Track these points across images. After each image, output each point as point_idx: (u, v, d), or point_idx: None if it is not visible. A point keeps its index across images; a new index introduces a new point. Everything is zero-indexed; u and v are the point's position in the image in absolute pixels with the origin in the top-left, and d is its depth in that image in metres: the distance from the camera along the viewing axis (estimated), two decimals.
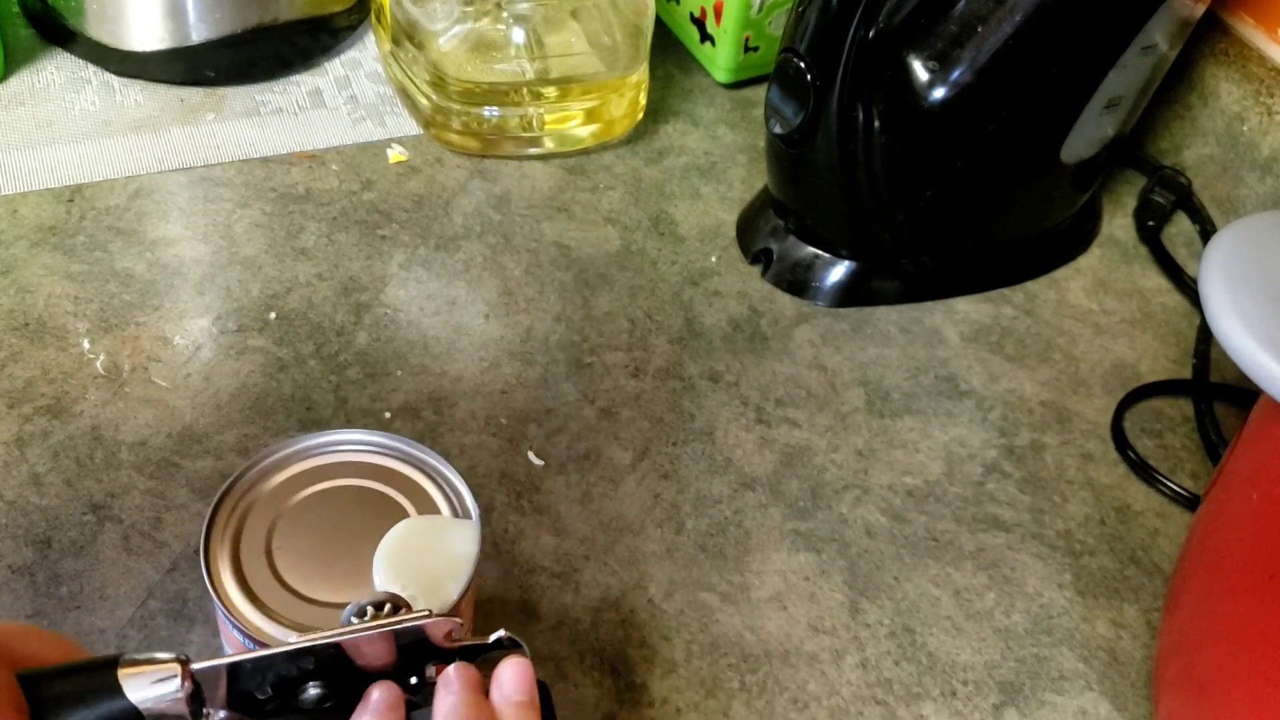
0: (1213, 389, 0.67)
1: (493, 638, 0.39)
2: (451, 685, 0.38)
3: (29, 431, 0.57)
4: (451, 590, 0.42)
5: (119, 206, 0.69)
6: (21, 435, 0.57)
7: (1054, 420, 0.65)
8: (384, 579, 0.42)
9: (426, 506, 0.45)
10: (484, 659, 0.40)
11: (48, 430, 0.57)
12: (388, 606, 0.39)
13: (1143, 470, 0.63)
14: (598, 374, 0.64)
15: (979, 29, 0.60)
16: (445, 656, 0.39)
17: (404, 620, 0.37)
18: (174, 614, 0.51)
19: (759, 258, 0.71)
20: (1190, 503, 0.61)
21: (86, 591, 0.51)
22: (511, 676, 0.39)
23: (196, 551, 0.53)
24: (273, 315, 0.64)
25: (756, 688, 0.52)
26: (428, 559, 0.43)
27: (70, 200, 0.69)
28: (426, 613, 0.37)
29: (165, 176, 0.71)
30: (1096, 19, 0.63)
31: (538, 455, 0.59)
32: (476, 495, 0.57)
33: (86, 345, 0.61)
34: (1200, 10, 0.67)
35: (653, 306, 0.68)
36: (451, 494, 0.46)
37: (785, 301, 0.70)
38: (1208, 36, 0.77)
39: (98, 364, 0.60)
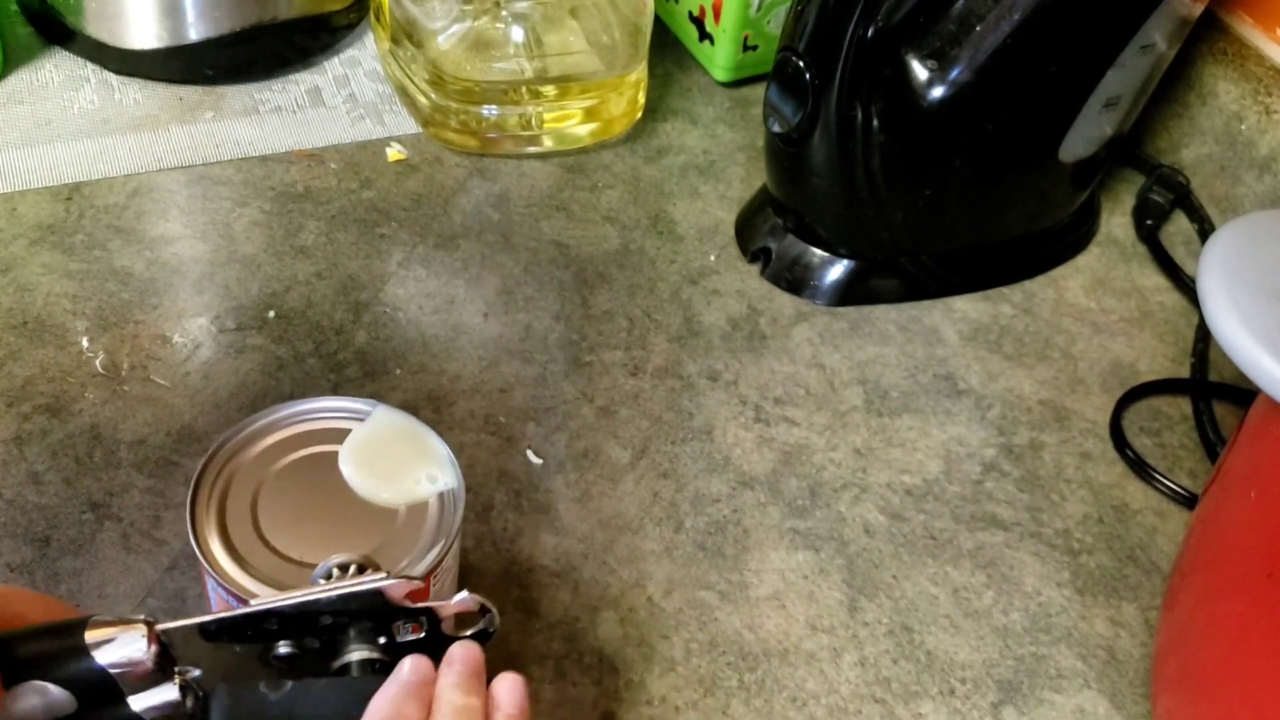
0: (1211, 387, 0.67)
1: (455, 599, 0.40)
2: (401, 672, 0.38)
3: (28, 430, 0.57)
4: (441, 449, 0.46)
5: (118, 205, 0.69)
6: (20, 434, 0.57)
7: (1052, 419, 0.65)
8: (389, 490, 0.44)
9: None
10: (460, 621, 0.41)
11: (46, 429, 0.57)
12: (353, 568, 0.41)
13: (1141, 469, 0.63)
14: (596, 373, 0.64)
15: (977, 28, 0.60)
16: (412, 616, 0.39)
17: (363, 583, 0.38)
18: (173, 612, 0.51)
19: (758, 256, 0.71)
20: (1188, 501, 0.61)
21: (85, 590, 0.51)
22: (507, 691, 0.38)
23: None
24: (272, 314, 0.64)
25: (755, 686, 0.52)
26: (396, 455, 0.46)
27: (69, 198, 0.69)
28: (384, 575, 0.38)
29: (164, 175, 0.71)
30: (1095, 18, 0.63)
31: (536, 454, 0.59)
32: (475, 493, 0.57)
33: (85, 344, 0.61)
34: (1199, 9, 0.67)
35: (651, 305, 0.68)
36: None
37: (784, 300, 0.70)
38: (1206, 35, 0.77)
39: (96, 362, 0.60)
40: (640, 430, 0.61)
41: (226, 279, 0.66)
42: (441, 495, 0.45)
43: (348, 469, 0.45)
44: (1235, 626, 0.44)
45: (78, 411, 0.58)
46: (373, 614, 0.39)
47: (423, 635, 0.40)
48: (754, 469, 0.60)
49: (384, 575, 0.38)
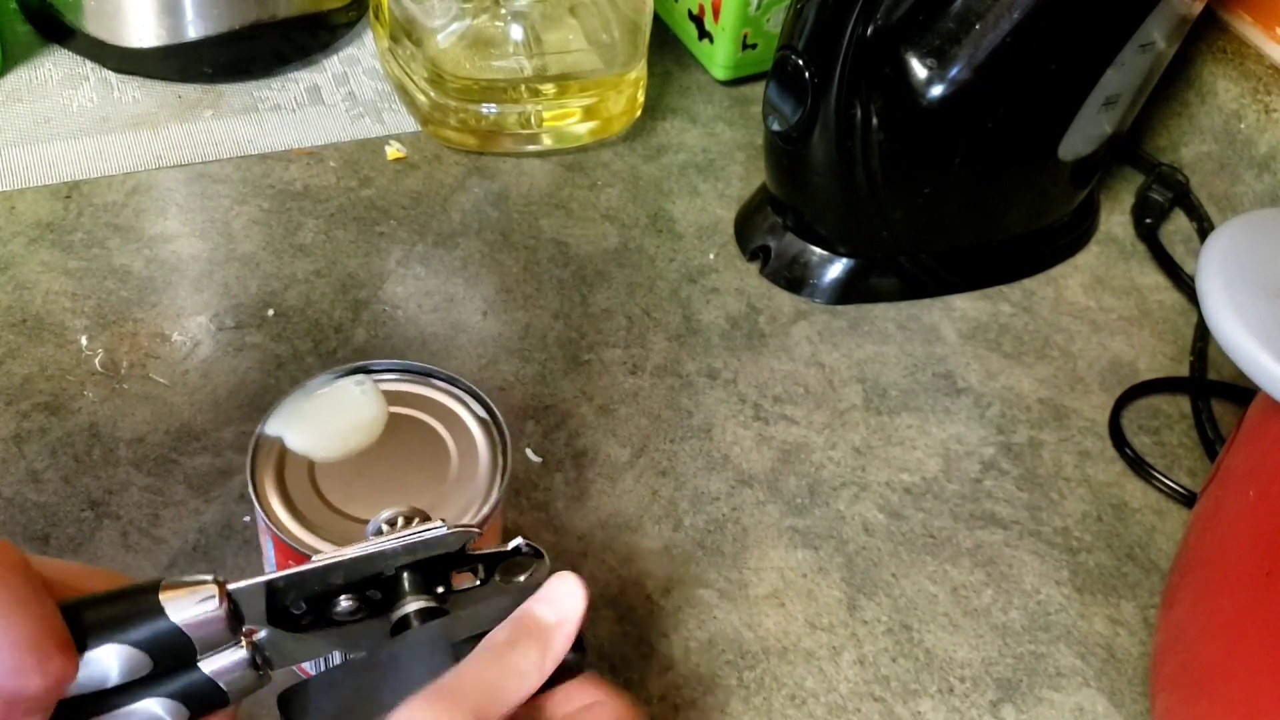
0: (1210, 386, 0.67)
1: (511, 546, 0.40)
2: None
3: (27, 428, 0.57)
4: (330, 376, 0.47)
5: (117, 203, 0.69)
6: (19, 432, 0.57)
7: (1051, 417, 0.65)
8: (352, 420, 0.46)
9: (459, 428, 0.47)
10: (504, 566, 0.41)
11: (45, 427, 0.57)
12: (400, 520, 0.42)
13: (1140, 467, 0.63)
14: (595, 371, 0.64)
15: (977, 26, 0.60)
16: (470, 563, 0.40)
17: (425, 531, 0.38)
18: None
19: (757, 255, 0.71)
20: (1187, 500, 0.61)
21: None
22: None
23: (195, 548, 0.53)
24: (271, 312, 0.64)
25: (754, 684, 0.52)
26: (323, 410, 0.47)
27: (68, 197, 0.69)
28: (440, 523, 0.39)
29: (163, 173, 0.71)
30: (1094, 16, 0.63)
31: (535, 452, 0.59)
32: None
33: (84, 342, 0.61)
34: (1198, 8, 0.67)
35: (650, 303, 0.68)
36: (484, 419, 0.48)
37: (783, 299, 0.70)
38: (1206, 34, 0.77)
39: (95, 361, 0.60)
40: (639, 428, 0.61)
41: (225, 277, 0.66)
42: (493, 443, 0.46)
43: (329, 451, 0.46)
44: (1234, 625, 0.44)
45: (76, 410, 0.58)
46: (429, 564, 0.39)
47: (479, 583, 0.41)
48: (753, 467, 0.60)
49: (442, 523, 0.39)
